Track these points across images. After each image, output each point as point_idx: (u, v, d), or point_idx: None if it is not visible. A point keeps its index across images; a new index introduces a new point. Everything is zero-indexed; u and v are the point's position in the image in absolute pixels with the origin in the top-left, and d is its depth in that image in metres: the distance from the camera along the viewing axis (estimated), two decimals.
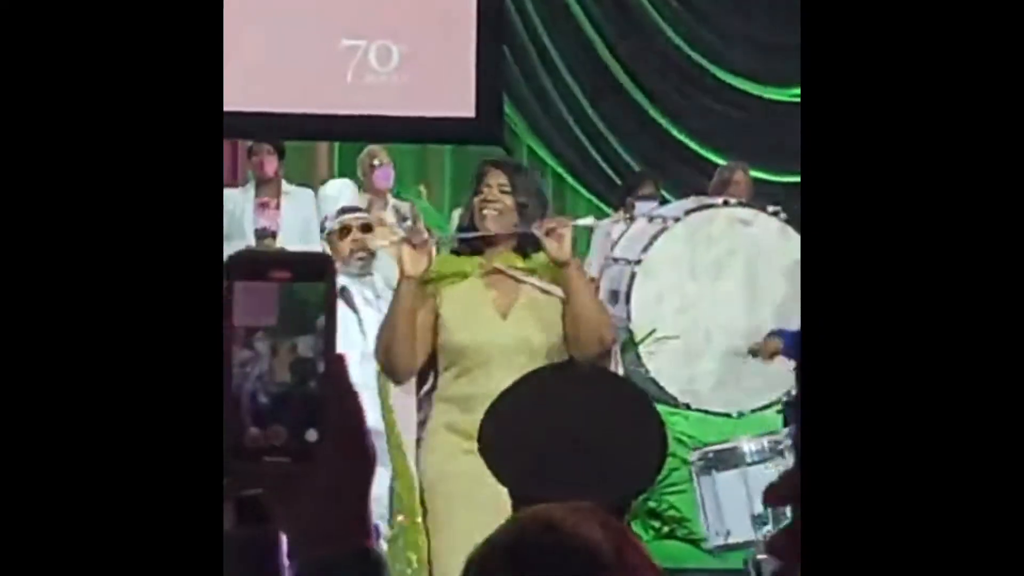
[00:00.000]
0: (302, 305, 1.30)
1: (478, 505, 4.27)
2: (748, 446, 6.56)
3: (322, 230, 6.66)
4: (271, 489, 1.32)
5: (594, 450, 2.68)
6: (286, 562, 1.39)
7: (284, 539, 1.41)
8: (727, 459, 6.58)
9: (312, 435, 1.29)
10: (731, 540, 6.52)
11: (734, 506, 6.45)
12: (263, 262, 1.31)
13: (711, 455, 6.63)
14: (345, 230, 6.23)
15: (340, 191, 6.77)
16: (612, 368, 4.66)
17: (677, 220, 8.88)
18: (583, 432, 2.70)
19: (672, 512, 7.26)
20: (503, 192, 4.72)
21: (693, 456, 6.68)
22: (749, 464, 6.49)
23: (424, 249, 4.60)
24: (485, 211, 4.71)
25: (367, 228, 5.99)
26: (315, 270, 1.31)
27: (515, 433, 2.72)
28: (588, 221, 4.74)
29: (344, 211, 6.42)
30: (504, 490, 2.71)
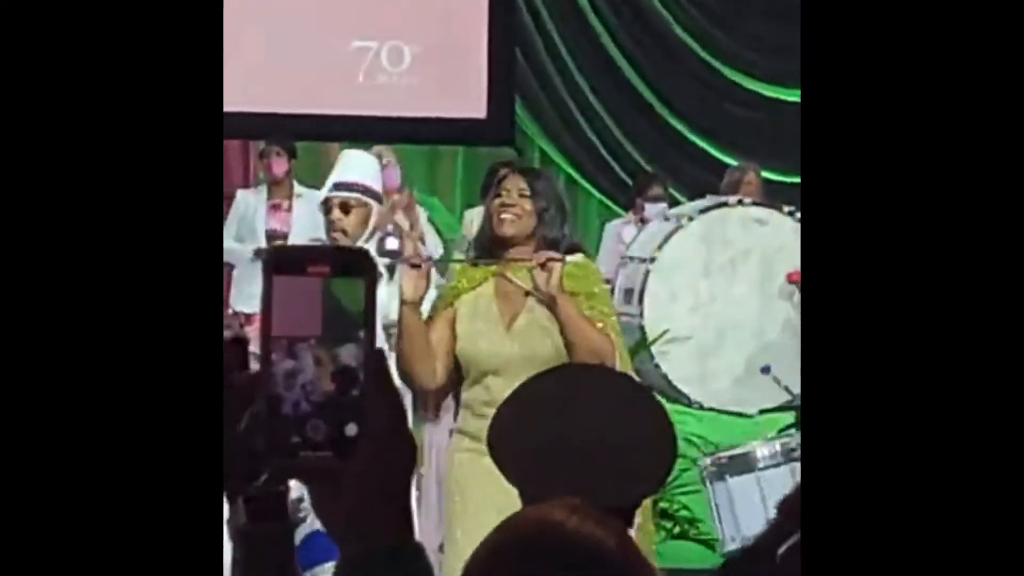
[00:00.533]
0: (343, 309, 1.29)
1: (494, 507, 4.28)
2: (761, 451, 6.54)
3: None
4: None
5: (604, 452, 2.68)
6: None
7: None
8: (740, 464, 6.55)
9: (352, 429, 1.29)
10: (747, 545, 6.47)
11: (749, 510, 6.42)
12: (300, 256, 1.30)
13: (724, 460, 6.60)
14: (327, 206, 5.70)
15: (351, 162, 5.98)
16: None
17: (691, 219, 8.86)
18: (593, 434, 2.70)
19: (684, 513, 7.26)
20: (522, 196, 4.66)
21: (705, 462, 6.64)
22: (762, 469, 6.47)
23: (423, 272, 4.53)
24: (503, 216, 4.66)
25: (345, 208, 5.57)
26: (354, 265, 1.30)
27: (524, 434, 2.73)
28: (578, 258, 4.66)
29: (336, 186, 5.84)
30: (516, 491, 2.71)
